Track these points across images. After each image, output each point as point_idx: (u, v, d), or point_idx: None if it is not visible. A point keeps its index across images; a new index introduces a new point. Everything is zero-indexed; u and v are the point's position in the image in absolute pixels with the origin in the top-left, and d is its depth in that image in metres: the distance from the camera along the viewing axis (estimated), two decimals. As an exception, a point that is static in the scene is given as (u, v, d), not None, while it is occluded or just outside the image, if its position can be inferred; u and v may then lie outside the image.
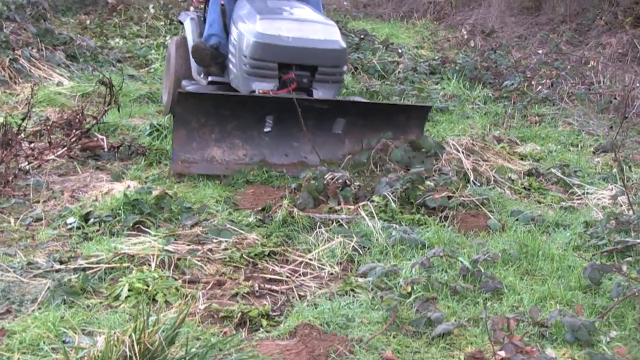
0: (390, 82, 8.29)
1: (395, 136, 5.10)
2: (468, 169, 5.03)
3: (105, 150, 5.26)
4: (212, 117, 4.80)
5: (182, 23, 6.51)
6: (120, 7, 10.86)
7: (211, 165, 4.84)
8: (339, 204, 4.43)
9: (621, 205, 4.64)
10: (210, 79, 5.53)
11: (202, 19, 6.05)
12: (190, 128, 4.77)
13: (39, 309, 3.08)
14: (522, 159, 5.68)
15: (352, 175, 4.70)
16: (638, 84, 7.31)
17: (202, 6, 6.06)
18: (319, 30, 5.17)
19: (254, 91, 5.04)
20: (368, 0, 15.28)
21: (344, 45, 5.26)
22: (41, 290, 3.21)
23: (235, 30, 5.28)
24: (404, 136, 5.13)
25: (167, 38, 9.77)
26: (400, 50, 9.82)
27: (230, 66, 5.35)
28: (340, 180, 4.52)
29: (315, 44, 5.11)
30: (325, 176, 4.54)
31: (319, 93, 5.13)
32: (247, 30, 5.12)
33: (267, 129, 4.95)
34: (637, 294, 3.25)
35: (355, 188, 4.54)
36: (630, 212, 4.37)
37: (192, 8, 10.65)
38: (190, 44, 5.85)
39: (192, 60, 5.76)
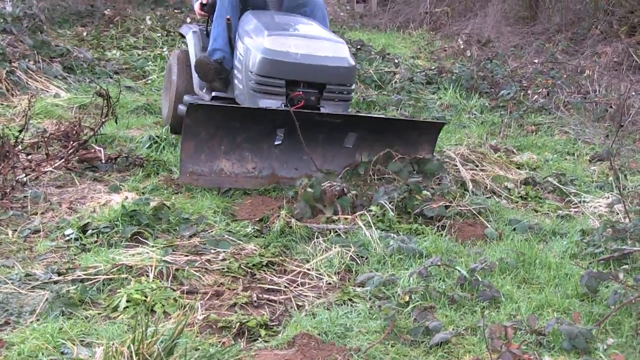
0: (387, 92, 8.33)
1: (406, 151, 5.04)
2: (466, 179, 5.05)
3: (103, 161, 5.26)
4: (221, 129, 4.72)
5: (183, 36, 6.41)
6: (117, 18, 10.89)
7: (220, 178, 4.78)
8: (335, 212, 4.45)
9: (617, 214, 4.66)
10: (214, 94, 5.45)
11: (204, 32, 5.97)
12: (200, 140, 4.69)
13: (37, 320, 3.08)
14: (518, 168, 5.71)
15: (349, 184, 4.71)
16: (633, 93, 7.35)
17: (204, 19, 5.97)
18: (327, 48, 5.07)
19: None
20: (365, 11, 15.35)
21: (352, 62, 5.17)
22: (39, 302, 3.21)
23: (241, 46, 5.18)
24: (415, 152, 5.07)
25: (165, 50, 9.81)
26: (396, 61, 9.86)
27: (236, 82, 5.26)
28: (337, 189, 4.53)
29: (324, 61, 5.01)
30: (323, 184, 4.55)
31: (326, 111, 5.02)
32: (254, 45, 5.02)
33: (277, 142, 4.86)
34: (633, 301, 3.26)
35: (352, 197, 4.55)
36: (627, 220, 4.39)
37: (188, 19, 10.72)
38: (193, 58, 5.77)
39: (194, 74, 5.67)
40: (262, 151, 4.85)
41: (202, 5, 5.70)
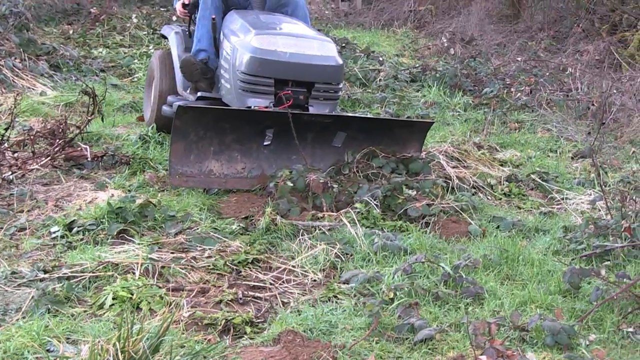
0: (372, 90, 8.35)
1: (395, 150, 5.08)
2: (451, 176, 5.08)
3: (89, 159, 5.26)
4: (211, 130, 4.70)
5: (165, 37, 6.40)
6: (103, 17, 10.86)
7: (209, 179, 4.77)
8: (317, 207, 4.48)
9: (599, 210, 4.71)
10: (199, 94, 5.41)
11: (186, 32, 5.95)
12: (189, 141, 4.67)
13: (23, 318, 3.09)
14: (502, 165, 5.74)
15: (333, 180, 4.73)
16: (615, 91, 7.41)
17: (186, 19, 5.94)
18: (315, 47, 5.08)
19: (249, 107, 4.90)
20: (349, 9, 15.37)
21: (340, 61, 5.19)
22: (25, 300, 3.22)
23: (228, 45, 5.16)
24: (404, 150, 5.10)
25: (150, 48, 9.80)
26: (381, 59, 9.89)
27: (223, 81, 5.23)
28: (321, 181, 4.56)
29: (312, 60, 5.02)
30: (308, 175, 4.58)
31: (315, 110, 5.04)
32: (242, 44, 4.99)
33: (266, 143, 4.86)
34: (615, 297, 3.30)
35: (335, 192, 4.59)
36: (609, 216, 4.43)
37: (174, 18, 10.70)
38: (176, 58, 5.75)
39: (177, 75, 5.66)
40: (251, 152, 4.85)
41: (184, 5, 5.69)
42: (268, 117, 4.78)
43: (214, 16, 5.30)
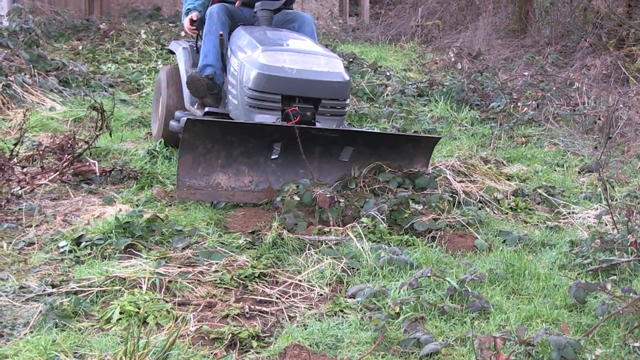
0: (379, 105, 8.38)
1: (402, 165, 5.08)
2: (458, 190, 5.09)
3: (97, 174, 5.30)
4: (219, 143, 4.71)
5: (173, 52, 6.44)
6: (112, 32, 10.93)
7: (216, 192, 4.77)
8: (323, 221, 4.49)
9: (606, 225, 4.71)
10: (206, 109, 5.42)
11: (194, 48, 5.99)
12: (197, 154, 4.69)
13: (31, 332, 3.11)
14: (508, 180, 5.75)
15: (339, 195, 4.75)
16: (621, 105, 7.41)
17: (194, 34, 5.96)
18: (322, 63, 5.10)
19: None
20: (357, 24, 15.43)
21: (347, 77, 5.20)
22: (33, 314, 3.24)
23: (235, 61, 5.19)
24: (410, 165, 5.11)
25: (159, 63, 9.85)
26: (388, 73, 9.91)
27: (230, 97, 5.26)
28: (328, 195, 4.58)
29: (319, 76, 5.04)
30: (314, 189, 4.60)
31: (321, 126, 5.02)
32: (249, 61, 5.02)
33: (274, 156, 4.87)
34: (621, 312, 3.30)
35: (342, 207, 4.60)
36: (615, 231, 4.43)
37: (182, 33, 10.77)
38: (184, 74, 5.80)
39: (185, 90, 5.69)
40: (258, 165, 4.86)
41: (192, 22, 5.72)
42: (276, 131, 4.78)
43: (221, 32, 5.34)
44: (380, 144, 5.09)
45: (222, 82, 5.46)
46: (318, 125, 5.02)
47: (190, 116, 5.38)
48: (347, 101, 5.28)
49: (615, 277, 3.86)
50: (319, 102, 5.06)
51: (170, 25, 12.31)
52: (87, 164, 5.40)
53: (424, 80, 9.64)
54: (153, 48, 10.58)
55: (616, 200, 5.18)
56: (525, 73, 9.74)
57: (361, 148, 5.03)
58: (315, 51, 5.21)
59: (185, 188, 4.69)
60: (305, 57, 5.07)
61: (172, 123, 5.68)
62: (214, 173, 4.77)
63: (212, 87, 5.40)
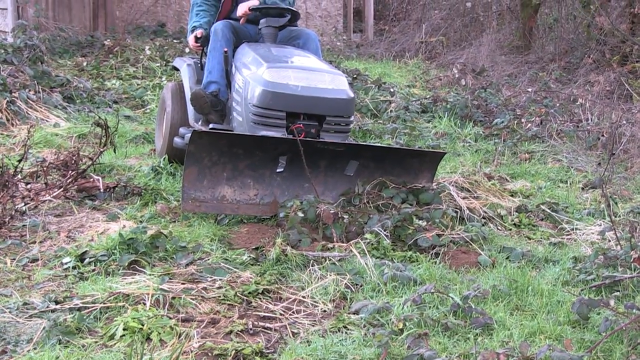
0: (383, 121, 8.40)
1: (406, 180, 5.10)
2: (461, 206, 5.10)
3: (101, 190, 5.31)
4: (224, 155, 4.73)
5: (177, 69, 6.44)
6: (117, 49, 10.98)
7: (221, 205, 4.78)
8: (330, 235, 4.50)
9: (609, 241, 4.71)
10: (211, 126, 5.41)
11: (198, 65, 6.00)
12: (202, 166, 4.70)
13: (35, 349, 3.12)
14: (512, 196, 5.76)
15: (343, 210, 4.75)
16: (625, 122, 7.42)
17: (199, 51, 5.98)
18: (327, 80, 5.11)
19: None
20: (361, 40, 15.47)
21: (351, 95, 5.21)
22: (37, 331, 3.25)
23: (240, 78, 5.21)
24: (415, 180, 5.13)
25: (163, 79, 9.89)
26: (392, 89, 9.93)
27: (235, 114, 5.28)
28: (331, 211, 4.59)
29: (324, 93, 5.05)
30: (318, 205, 4.61)
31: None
32: (254, 78, 5.04)
33: (279, 170, 4.87)
34: (624, 328, 3.29)
35: (346, 223, 4.61)
36: (618, 247, 4.43)
37: (187, 50, 10.82)
38: (188, 90, 5.81)
39: (189, 107, 5.70)
40: (264, 178, 4.87)
41: (197, 39, 5.76)
42: (281, 144, 4.80)
43: (226, 49, 5.36)
44: (386, 158, 5.11)
45: (226, 99, 5.48)
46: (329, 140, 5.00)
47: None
48: (352, 118, 5.28)
49: (618, 293, 3.86)
50: (323, 119, 5.08)
51: (175, 41, 12.36)
52: (91, 180, 5.42)
53: (428, 96, 9.67)
54: (157, 64, 10.63)
55: (619, 216, 5.18)
56: (529, 89, 9.75)
57: (366, 162, 5.05)
58: (319, 68, 5.22)
59: (191, 200, 4.70)
60: (310, 74, 5.09)
61: (177, 140, 5.72)
62: (219, 186, 4.76)
63: (216, 104, 5.41)
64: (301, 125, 4.96)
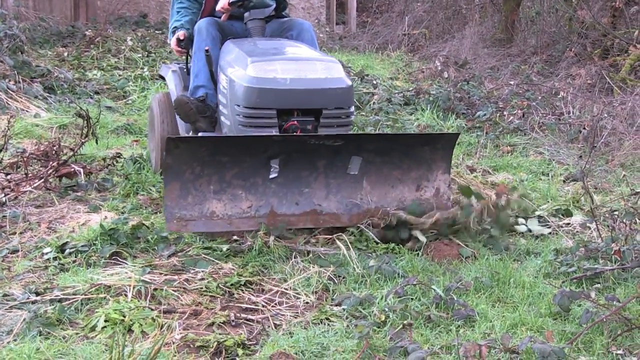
0: (365, 113, 8.40)
1: (420, 173, 4.59)
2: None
3: (82, 180, 5.27)
4: (208, 165, 4.22)
5: (164, 78, 5.91)
6: (98, 39, 10.92)
7: (211, 222, 4.30)
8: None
9: (592, 232, 4.73)
10: (200, 134, 4.88)
11: (184, 70, 5.48)
12: (184, 180, 4.20)
13: (15, 340, 3.09)
14: (494, 188, 5.77)
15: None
16: (606, 115, 7.46)
17: (183, 56, 5.44)
18: (319, 69, 4.57)
19: None
20: (344, 32, 15.47)
21: (349, 82, 4.65)
22: (17, 322, 3.22)
23: (224, 78, 4.70)
24: (429, 172, 4.61)
25: (145, 70, 9.84)
26: (375, 82, 9.94)
27: (222, 118, 4.76)
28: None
29: (317, 84, 4.51)
30: None
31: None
32: (238, 76, 4.51)
33: (273, 175, 4.34)
34: (605, 320, 3.32)
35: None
36: (599, 239, 4.47)
37: (168, 41, 10.77)
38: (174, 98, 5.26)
39: (178, 117, 5.15)
40: (257, 187, 4.36)
41: (179, 42, 5.24)
42: (270, 145, 4.29)
43: (207, 47, 4.86)
44: (393, 149, 4.53)
45: (215, 104, 4.96)
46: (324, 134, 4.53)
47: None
48: (352, 109, 4.73)
49: (599, 285, 3.89)
50: (320, 113, 4.55)
51: (157, 32, 12.31)
52: (72, 170, 5.38)
53: (411, 88, 9.67)
54: (139, 55, 10.57)
55: (600, 209, 5.21)
56: (511, 82, 9.79)
57: (370, 156, 4.48)
58: (310, 57, 4.71)
59: (176, 220, 4.24)
60: (300, 64, 4.58)
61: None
62: (206, 201, 4.29)
63: (203, 110, 4.90)
64: (295, 122, 4.48)
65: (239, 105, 4.49)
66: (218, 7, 5.19)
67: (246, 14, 5.15)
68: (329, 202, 4.48)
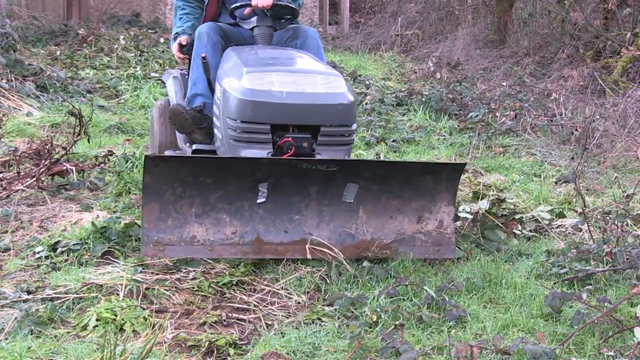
0: (358, 114, 8.41)
1: (421, 205, 4.23)
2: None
3: (75, 179, 5.26)
4: (190, 186, 3.88)
5: (165, 84, 5.64)
6: (91, 38, 10.91)
7: (191, 247, 3.95)
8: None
9: (584, 234, 4.74)
10: (194, 147, 4.60)
11: (186, 77, 5.12)
12: (164, 201, 3.86)
13: (6, 339, 3.08)
14: (486, 189, 5.78)
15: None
16: (598, 116, 7.49)
17: (186, 62, 5.10)
18: (319, 82, 4.24)
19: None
20: (337, 33, 15.48)
21: (351, 98, 4.29)
22: (8, 321, 3.21)
23: (219, 88, 4.39)
24: (433, 203, 4.23)
25: (137, 69, 9.83)
26: (367, 82, 9.96)
27: (215, 131, 4.46)
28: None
29: (316, 98, 4.19)
30: None
31: (321, 157, 4.19)
32: (232, 87, 4.21)
33: (260, 200, 3.99)
34: (596, 321, 3.33)
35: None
36: (591, 241, 4.48)
37: (162, 39, 10.75)
38: None
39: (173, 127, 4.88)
40: (242, 212, 4.01)
41: (181, 47, 4.96)
42: (258, 168, 3.94)
43: (204, 54, 4.52)
44: (392, 177, 4.16)
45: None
46: (319, 157, 4.19)
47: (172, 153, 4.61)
48: (353, 126, 4.36)
49: (590, 286, 3.89)
50: (317, 130, 4.23)
51: (150, 31, 12.30)
52: (65, 169, 5.37)
53: (403, 89, 9.69)
54: (132, 54, 10.56)
55: (592, 210, 5.23)
56: (504, 83, 9.82)
57: (367, 184, 4.11)
58: (311, 69, 4.38)
59: (152, 244, 3.88)
60: (299, 77, 4.25)
61: None
62: (187, 225, 3.93)
63: (200, 121, 4.60)
64: (290, 139, 4.15)
65: (230, 119, 4.19)
66: (255, 2, 4.70)
67: (252, 19, 4.84)
68: (320, 231, 4.11)
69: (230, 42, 4.86)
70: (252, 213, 4.02)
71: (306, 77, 4.27)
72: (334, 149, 4.29)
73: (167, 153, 4.92)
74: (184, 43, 4.94)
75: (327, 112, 4.23)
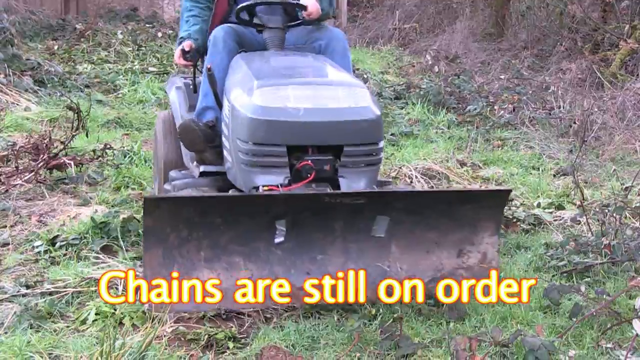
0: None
1: (461, 238, 3.68)
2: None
3: (73, 171, 5.26)
4: (198, 228, 3.34)
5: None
6: (89, 32, 10.89)
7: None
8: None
9: (582, 226, 4.75)
10: (202, 168, 4.06)
11: (191, 87, 4.60)
12: (169, 246, 3.32)
13: (5, 333, 3.08)
14: (485, 182, 5.79)
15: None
16: (596, 109, 7.50)
17: (189, 69, 4.64)
18: (340, 96, 3.68)
19: (257, 187, 3.58)
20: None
21: (377, 112, 3.74)
22: (7, 315, 3.21)
23: (227, 104, 3.81)
24: (474, 236, 3.69)
25: (135, 64, 9.82)
26: (366, 76, 9.95)
27: (225, 152, 3.87)
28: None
29: (338, 115, 3.63)
30: None
31: (347, 182, 3.69)
32: (241, 103, 3.64)
33: (278, 239, 3.46)
34: (594, 314, 3.33)
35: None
36: (589, 234, 4.49)
37: (159, 34, 10.73)
38: (178, 121, 4.40)
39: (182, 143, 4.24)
40: (258, 253, 3.47)
41: (184, 53, 4.32)
42: (273, 203, 3.41)
43: (209, 65, 3.96)
44: (427, 207, 3.60)
45: None
46: (342, 181, 3.68)
47: (181, 180, 4.18)
48: (381, 144, 3.83)
49: (589, 279, 3.90)
50: (340, 150, 3.68)
51: (147, 26, 12.27)
52: (63, 162, 5.37)
53: (401, 83, 9.68)
54: (129, 49, 10.55)
55: (590, 203, 5.23)
56: (502, 77, 9.82)
57: (399, 216, 3.56)
58: (331, 80, 3.83)
59: (157, 294, 3.32)
60: (317, 90, 3.70)
61: (166, 187, 4.27)
62: (195, 270, 3.39)
63: (212, 138, 4.02)
64: (309, 162, 3.61)
65: (241, 140, 3.63)
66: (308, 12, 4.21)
67: (257, 20, 4.26)
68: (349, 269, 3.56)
69: (244, 47, 4.28)
70: (269, 254, 3.49)
71: (326, 89, 3.73)
72: (359, 171, 3.75)
73: (172, 174, 4.35)
74: (187, 49, 4.32)
75: (351, 130, 3.69)
